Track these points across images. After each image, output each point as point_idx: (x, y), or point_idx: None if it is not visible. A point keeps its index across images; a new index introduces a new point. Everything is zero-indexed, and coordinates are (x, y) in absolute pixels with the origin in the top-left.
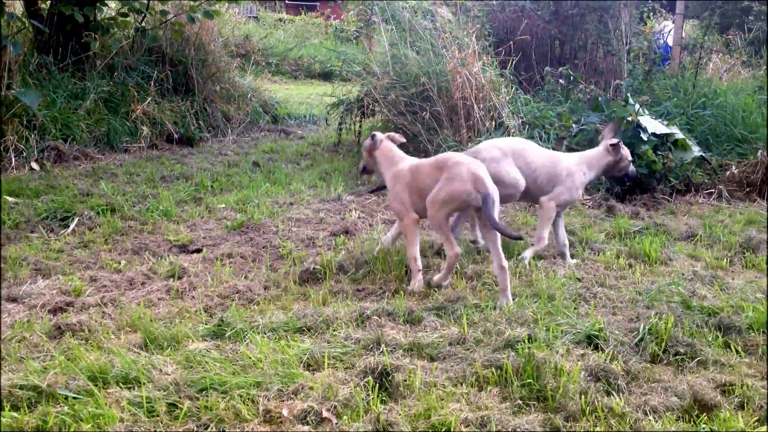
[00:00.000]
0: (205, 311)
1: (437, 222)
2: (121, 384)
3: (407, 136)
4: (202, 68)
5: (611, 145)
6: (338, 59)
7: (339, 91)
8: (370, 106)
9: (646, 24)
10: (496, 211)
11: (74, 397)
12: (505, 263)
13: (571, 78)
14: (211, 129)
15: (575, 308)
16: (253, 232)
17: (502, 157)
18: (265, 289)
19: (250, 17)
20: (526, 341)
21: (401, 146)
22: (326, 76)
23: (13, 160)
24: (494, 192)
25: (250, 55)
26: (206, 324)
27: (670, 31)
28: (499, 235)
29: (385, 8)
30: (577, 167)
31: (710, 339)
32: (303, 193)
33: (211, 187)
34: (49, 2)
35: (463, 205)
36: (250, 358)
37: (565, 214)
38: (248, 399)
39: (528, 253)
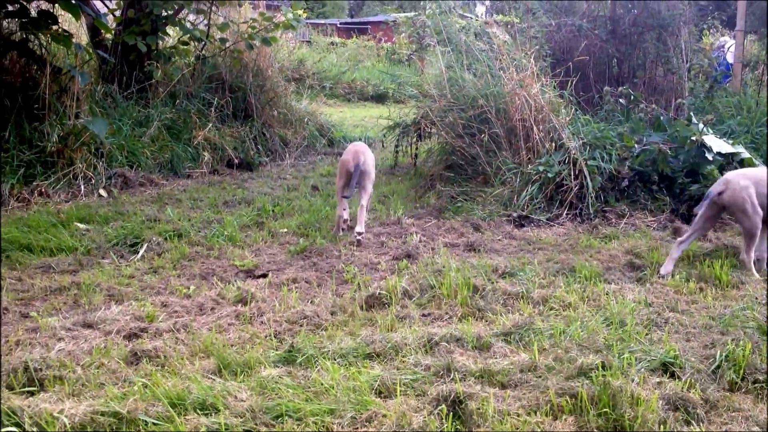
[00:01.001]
0: (275, 337)
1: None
2: (198, 410)
3: (465, 158)
4: (260, 94)
5: None
6: (392, 81)
7: (394, 114)
8: (427, 129)
9: (702, 40)
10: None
11: (154, 423)
12: (363, 203)
13: (631, 97)
14: (269, 153)
15: (647, 334)
16: (316, 257)
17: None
18: (331, 314)
19: (303, 41)
20: (600, 368)
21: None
22: (379, 98)
23: (83, 187)
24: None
25: (304, 79)
26: (277, 350)
27: (730, 48)
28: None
29: (440, 30)
30: None
31: None
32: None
33: (273, 211)
34: (113, 33)
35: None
36: (322, 384)
37: (630, 236)
38: (323, 426)
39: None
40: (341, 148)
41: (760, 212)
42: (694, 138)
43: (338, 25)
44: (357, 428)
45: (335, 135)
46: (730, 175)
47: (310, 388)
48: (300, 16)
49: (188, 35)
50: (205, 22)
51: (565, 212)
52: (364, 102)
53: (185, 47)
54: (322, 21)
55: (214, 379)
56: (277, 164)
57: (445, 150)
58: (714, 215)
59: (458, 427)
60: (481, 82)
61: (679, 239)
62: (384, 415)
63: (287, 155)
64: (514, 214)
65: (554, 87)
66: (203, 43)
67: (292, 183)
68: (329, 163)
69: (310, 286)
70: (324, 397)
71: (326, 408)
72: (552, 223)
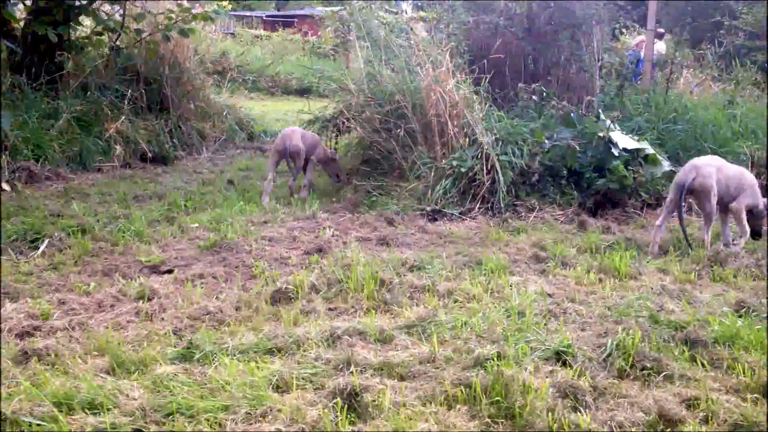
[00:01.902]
0: (175, 334)
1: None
2: (86, 410)
3: (382, 153)
4: (177, 86)
5: None
6: (314, 76)
7: (314, 108)
8: (346, 124)
9: (619, 40)
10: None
11: (38, 424)
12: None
13: (544, 94)
14: (185, 147)
15: (545, 324)
16: (226, 252)
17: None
18: (236, 309)
19: (227, 34)
20: (496, 359)
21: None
22: (303, 92)
23: None
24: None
25: (226, 71)
26: (175, 347)
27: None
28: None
29: (360, 26)
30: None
31: (677, 353)
32: (277, 211)
33: (185, 206)
34: (22, 22)
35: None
36: (219, 381)
37: (538, 229)
38: (215, 423)
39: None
40: (261, 143)
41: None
42: (601, 134)
43: (264, 18)
44: (251, 424)
45: (255, 129)
46: (698, 162)
47: (206, 385)
48: (223, 7)
49: (102, 26)
50: (121, 12)
51: (478, 206)
52: (288, 96)
53: (99, 38)
54: (248, 13)
55: (105, 378)
56: (194, 158)
57: (362, 145)
58: (680, 198)
59: (353, 419)
60: (398, 78)
61: (656, 223)
62: (279, 410)
63: (204, 149)
64: (428, 208)
65: (469, 83)
66: (118, 33)
67: (207, 177)
68: (248, 157)
69: (216, 281)
70: (219, 394)
71: (220, 404)
72: (464, 217)
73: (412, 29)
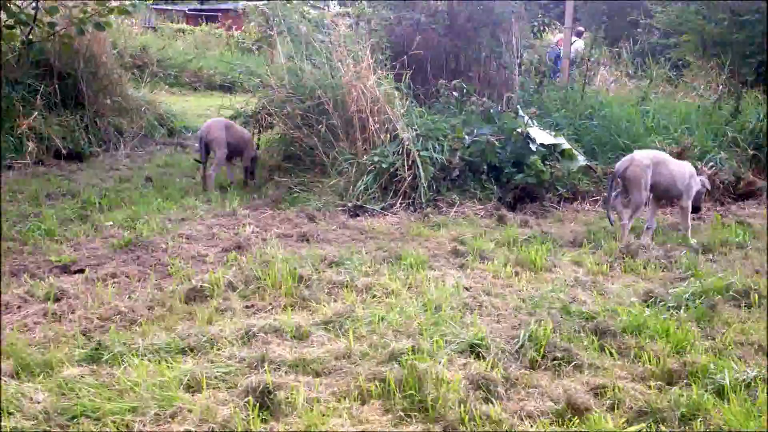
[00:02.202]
0: (83, 335)
1: None
2: None
3: (303, 149)
4: (93, 81)
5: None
6: (238, 71)
7: (236, 104)
8: (267, 119)
9: (541, 38)
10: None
11: None
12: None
13: (465, 91)
14: (102, 143)
15: (461, 318)
16: (141, 251)
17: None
18: (149, 309)
19: (147, 28)
20: (410, 353)
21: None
22: (227, 88)
23: None
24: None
25: (146, 66)
26: (83, 348)
27: (573, 43)
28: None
29: (281, 21)
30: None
31: (587, 343)
32: (197, 208)
33: (99, 204)
34: None
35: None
36: (127, 382)
37: (457, 223)
38: (122, 425)
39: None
40: (182, 138)
41: (648, 190)
42: (519, 130)
43: (187, 12)
44: (160, 425)
45: (176, 124)
46: (636, 153)
47: (114, 386)
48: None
49: (14, 18)
50: (33, 4)
51: (399, 202)
52: (212, 91)
53: (10, 31)
54: (170, 7)
55: (8, 382)
56: (111, 155)
57: (284, 141)
58: (611, 183)
59: (265, 417)
60: (320, 74)
61: (623, 219)
62: (189, 410)
63: (122, 145)
64: (349, 204)
65: (391, 79)
66: (30, 27)
67: (125, 174)
68: (168, 153)
69: (129, 280)
70: (127, 395)
71: (128, 406)
72: (386, 213)
73: (334, 25)
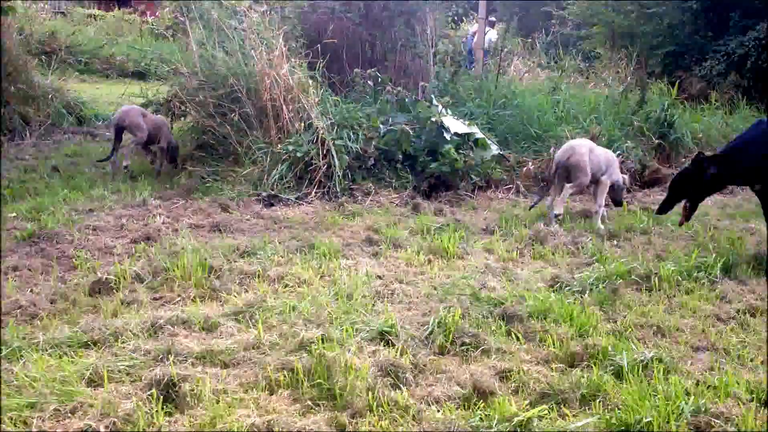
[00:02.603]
0: None
1: None
2: None
3: (217, 138)
4: None
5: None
6: (150, 58)
7: (149, 92)
8: (180, 108)
9: (456, 28)
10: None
11: None
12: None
13: (380, 80)
14: (6, 132)
15: (373, 306)
16: (46, 243)
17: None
18: (51, 302)
19: (57, 13)
20: (320, 342)
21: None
22: (141, 75)
23: None
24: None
25: (55, 53)
26: None
27: (487, 34)
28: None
29: (191, 7)
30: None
31: (494, 328)
32: (105, 198)
33: (2, 194)
34: None
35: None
36: (26, 378)
37: (372, 212)
38: (20, 421)
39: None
40: (92, 127)
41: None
42: (434, 119)
43: None
44: (59, 420)
45: (86, 113)
46: (574, 143)
47: (12, 382)
48: None
49: None
50: None
51: (314, 191)
52: (125, 79)
53: None
54: None
55: None
56: (16, 144)
57: (197, 129)
58: (555, 173)
59: (170, 410)
60: (232, 61)
61: (554, 207)
62: (90, 405)
63: (28, 134)
64: (264, 194)
65: (305, 68)
66: None
67: (30, 164)
68: (76, 142)
69: (32, 274)
70: (26, 391)
71: (26, 402)
72: (301, 202)
73: (246, 12)
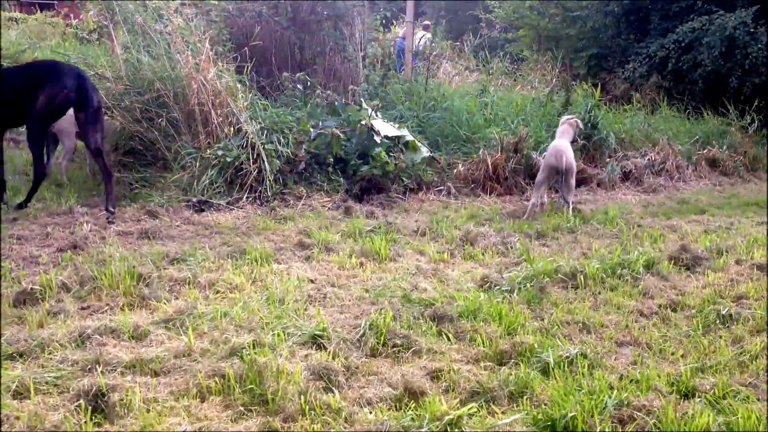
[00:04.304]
0: None
1: None
2: None
3: (144, 143)
4: None
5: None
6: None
7: None
8: (106, 113)
9: (389, 30)
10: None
11: None
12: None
13: (309, 83)
14: None
15: (305, 310)
16: None
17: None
18: None
19: None
20: (251, 347)
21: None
22: None
23: None
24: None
25: None
26: None
27: (422, 38)
28: None
29: (116, 10)
30: None
31: (425, 329)
32: (30, 207)
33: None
34: None
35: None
36: None
37: (304, 216)
38: None
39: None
40: (14, 133)
41: None
42: (364, 122)
43: (20, 0)
44: None
45: None
46: (560, 145)
47: None
48: None
49: None
50: None
51: (245, 196)
52: None
53: None
54: None
55: None
56: None
57: (123, 135)
58: (550, 176)
59: (99, 420)
60: (158, 65)
61: (533, 201)
62: (17, 417)
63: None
64: (194, 200)
65: (233, 72)
66: None
67: None
68: None
69: None
70: None
71: None
72: (232, 207)
73: (171, 15)
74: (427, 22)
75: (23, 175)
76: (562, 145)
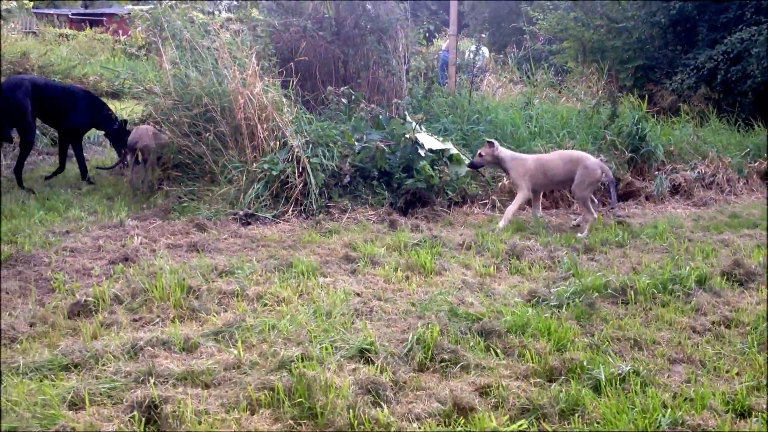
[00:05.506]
0: None
1: None
2: None
3: (192, 157)
4: None
5: None
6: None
7: (124, 111)
8: (155, 127)
9: (426, 44)
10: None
11: None
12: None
13: (353, 97)
14: None
15: (352, 323)
16: (22, 265)
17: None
18: (30, 326)
19: (28, 33)
20: (300, 360)
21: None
22: (115, 94)
23: None
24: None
25: (28, 73)
26: None
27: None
28: None
29: (164, 26)
30: None
31: (473, 344)
32: (82, 220)
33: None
34: None
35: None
36: (7, 402)
37: (349, 230)
38: None
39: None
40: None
41: None
42: (408, 136)
43: (70, 16)
44: None
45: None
46: (587, 155)
47: None
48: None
49: None
50: None
51: (291, 209)
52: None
53: None
54: (52, 11)
55: None
56: None
57: (172, 149)
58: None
59: (152, 431)
60: (205, 81)
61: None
62: (73, 428)
63: (2, 156)
64: (241, 213)
65: (278, 86)
66: None
67: (4, 186)
68: (51, 163)
69: (10, 297)
70: (8, 416)
71: (8, 427)
72: (278, 220)
73: (218, 30)
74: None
75: (75, 188)
76: (584, 155)
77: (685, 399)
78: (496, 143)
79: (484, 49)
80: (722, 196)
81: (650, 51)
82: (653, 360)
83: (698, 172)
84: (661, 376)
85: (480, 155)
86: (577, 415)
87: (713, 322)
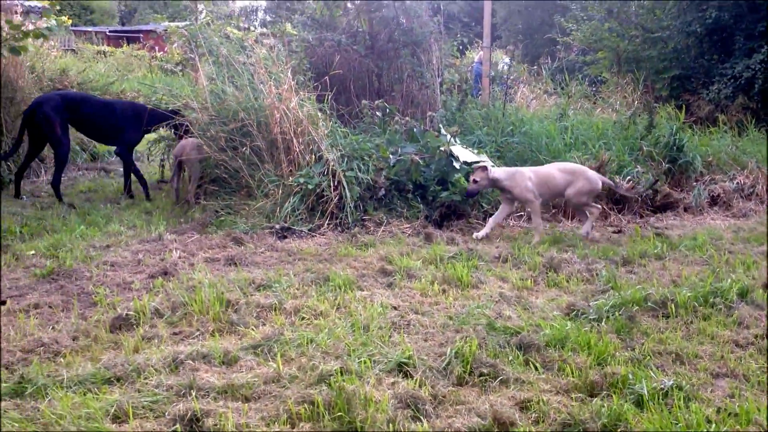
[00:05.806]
0: (6, 368)
1: None
2: None
3: (229, 171)
4: (11, 106)
5: None
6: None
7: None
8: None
9: (459, 57)
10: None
11: None
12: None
13: (387, 110)
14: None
15: (389, 337)
16: (65, 279)
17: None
18: (73, 339)
19: (67, 50)
20: (339, 374)
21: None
22: None
23: None
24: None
25: (67, 89)
26: (6, 382)
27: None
28: None
29: (201, 42)
30: None
31: (512, 358)
32: (122, 234)
33: (20, 232)
34: None
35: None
36: (51, 415)
37: (385, 243)
38: None
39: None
40: (106, 163)
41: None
42: (443, 148)
43: (107, 33)
44: None
45: (99, 149)
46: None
47: (38, 420)
48: (62, 23)
49: None
50: None
51: (327, 222)
52: None
53: None
54: (90, 28)
55: None
56: (31, 181)
57: (209, 164)
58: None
59: None
60: (242, 96)
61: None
62: None
63: (43, 172)
64: (277, 226)
65: (313, 101)
66: None
67: (46, 201)
68: (91, 179)
69: (53, 311)
70: (53, 428)
71: None
72: (314, 234)
73: (254, 46)
74: (510, 47)
75: (114, 203)
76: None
77: (730, 414)
78: (489, 166)
79: (506, 59)
80: (762, 207)
81: (686, 61)
82: (696, 374)
83: (737, 183)
84: (704, 391)
85: (474, 181)
86: (619, 430)
87: (756, 336)
